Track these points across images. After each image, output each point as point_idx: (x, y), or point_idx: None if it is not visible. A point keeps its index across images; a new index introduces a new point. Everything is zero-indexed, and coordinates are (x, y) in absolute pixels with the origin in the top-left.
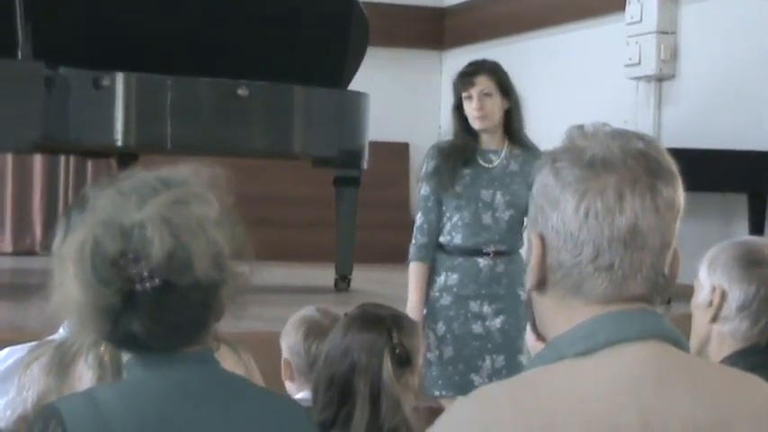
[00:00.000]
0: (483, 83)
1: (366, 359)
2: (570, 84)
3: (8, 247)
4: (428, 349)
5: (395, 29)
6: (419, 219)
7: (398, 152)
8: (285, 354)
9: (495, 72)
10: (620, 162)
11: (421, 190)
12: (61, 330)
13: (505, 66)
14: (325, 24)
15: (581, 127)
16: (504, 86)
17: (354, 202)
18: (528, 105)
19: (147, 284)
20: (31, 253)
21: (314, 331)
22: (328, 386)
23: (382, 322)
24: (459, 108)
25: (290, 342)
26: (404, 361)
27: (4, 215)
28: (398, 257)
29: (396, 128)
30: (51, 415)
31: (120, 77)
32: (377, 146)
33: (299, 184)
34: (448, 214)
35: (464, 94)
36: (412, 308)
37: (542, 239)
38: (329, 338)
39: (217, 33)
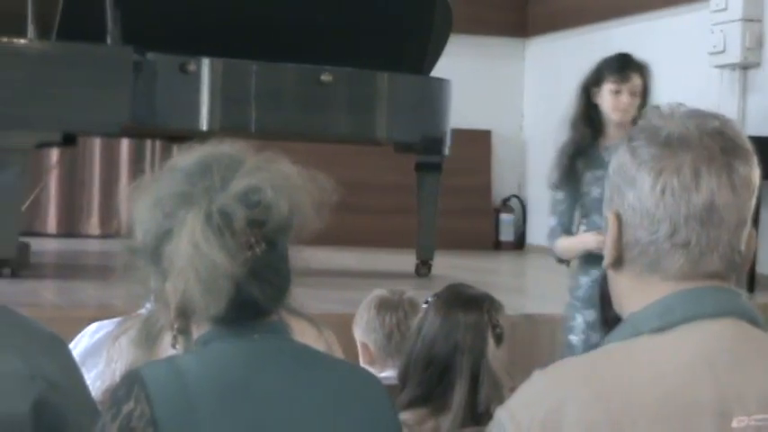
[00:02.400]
0: (635, 81)
1: (471, 339)
2: (654, 72)
3: (96, 230)
4: (573, 332)
5: (478, 16)
6: (553, 221)
7: (481, 139)
8: (360, 338)
9: (647, 75)
10: (697, 140)
11: (556, 195)
12: (148, 305)
13: (587, 53)
14: (408, 10)
15: (658, 107)
16: (648, 90)
17: (436, 188)
18: None
19: (257, 250)
20: (117, 236)
21: (385, 305)
22: (426, 366)
23: (481, 302)
24: (587, 92)
25: (363, 322)
26: (501, 339)
27: (91, 199)
28: (479, 244)
29: (478, 115)
30: (134, 380)
31: (206, 63)
32: (459, 133)
33: (381, 171)
34: (582, 218)
35: (612, 87)
36: (596, 241)
37: (619, 218)
38: (421, 318)
39: (301, 19)
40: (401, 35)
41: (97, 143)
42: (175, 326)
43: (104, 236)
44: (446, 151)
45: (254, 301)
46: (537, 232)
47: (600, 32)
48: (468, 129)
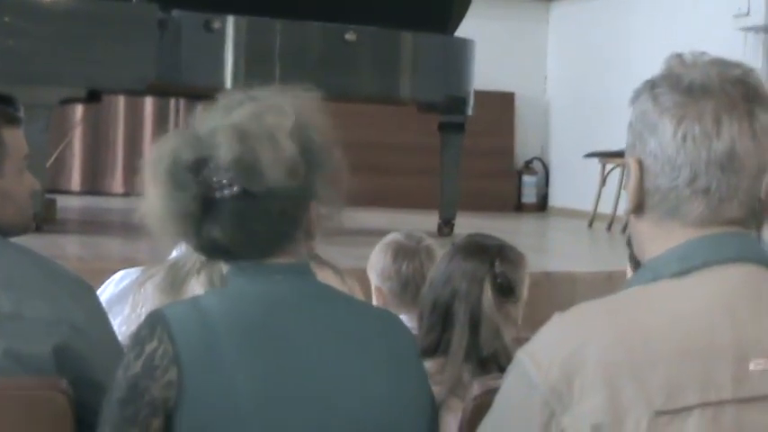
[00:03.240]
0: None
1: (467, 286)
2: (677, 35)
3: (119, 188)
4: None
5: None
6: None
7: (504, 101)
8: (375, 282)
9: None
10: (718, 88)
11: None
12: (174, 252)
13: (611, 17)
14: None
15: (680, 55)
16: None
17: (459, 148)
18: (634, 57)
19: (226, 192)
20: (141, 194)
21: (401, 252)
22: (431, 312)
23: (486, 251)
24: None
25: (378, 267)
26: (505, 290)
27: (115, 157)
28: (502, 206)
29: (502, 77)
30: (157, 320)
31: (230, 20)
32: (482, 95)
33: (404, 131)
34: None
35: None
36: None
37: (640, 164)
38: (435, 265)
39: None
40: None
41: (122, 101)
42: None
43: (128, 194)
44: (469, 111)
45: (215, 242)
46: (559, 194)
47: None
48: (491, 91)
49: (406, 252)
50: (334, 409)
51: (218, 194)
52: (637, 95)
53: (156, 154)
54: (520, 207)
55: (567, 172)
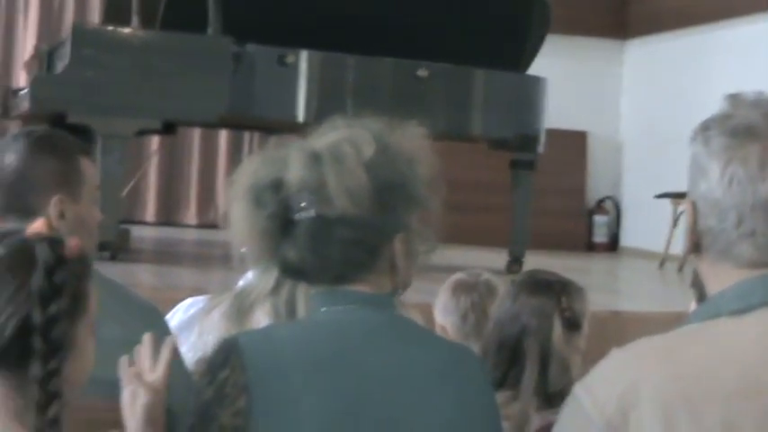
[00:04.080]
0: None
1: (537, 322)
2: (754, 74)
3: (193, 220)
4: None
5: (577, 16)
6: None
7: (577, 140)
8: (439, 320)
9: None
10: (764, 129)
11: None
12: (241, 282)
13: (687, 56)
14: (506, 8)
15: (735, 95)
16: None
17: (530, 186)
18: (709, 97)
19: (303, 214)
20: (213, 226)
21: (460, 287)
22: (498, 349)
23: (551, 287)
24: None
25: (441, 304)
26: (572, 324)
27: (189, 189)
28: (573, 245)
29: (575, 116)
30: (231, 348)
31: (304, 55)
32: (555, 134)
33: (475, 168)
34: None
35: None
36: None
37: (694, 206)
38: (498, 303)
39: (399, 14)
40: (499, 32)
41: (196, 133)
42: None
43: (201, 225)
44: (540, 149)
45: (289, 263)
46: (631, 234)
47: (701, 35)
48: (564, 129)
49: (465, 287)
50: None
51: (296, 216)
52: (693, 137)
53: (241, 172)
54: (591, 246)
55: (639, 212)
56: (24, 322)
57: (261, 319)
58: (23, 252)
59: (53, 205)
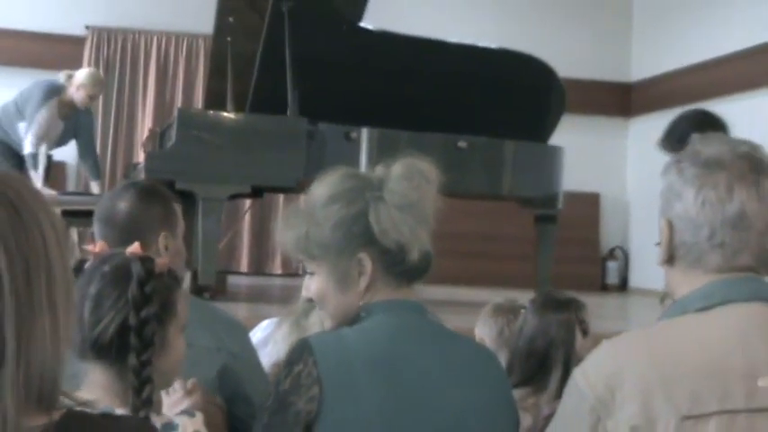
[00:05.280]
0: None
1: (564, 334)
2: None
3: (279, 270)
4: None
5: (587, 99)
6: None
7: (591, 200)
8: (479, 334)
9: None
10: (729, 161)
11: None
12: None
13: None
14: (531, 92)
15: (702, 137)
16: None
17: (553, 237)
18: None
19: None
20: (296, 274)
21: (498, 309)
22: (528, 357)
23: (570, 303)
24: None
25: (481, 321)
26: (586, 332)
27: (275, 243)
28: (589, 286)
29: (590, 180)
30: (305, 347)
31: (365, 131)
32: (573, 194)
33: (506, 223)
34: None
35: None
36: None
37: (670, 224)
38: (523, 319)
39: (443, 97)
40: (524, 111)
41: (280, 196)
42: None
43: (285, 274)
44: (560, 206)
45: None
46: (638, 277)
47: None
48: (580, 191)
49: (501, 309)
50: (446, 422)
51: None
52: (666, 169)
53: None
54: (604, 287)
55: (644, 258)
56: (123, 324)
57: (314, 327)
58: (122, 268)
59: (161, 240)
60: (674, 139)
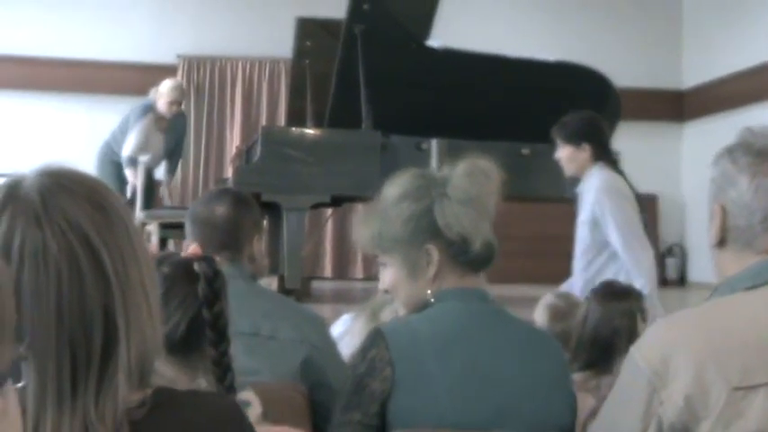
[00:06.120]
0: None
1: (627, 322)
2: None
3: (360, 274)
4: None
5: (642, 106)
6: None
7: (649, 201)
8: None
9: None
10: None
11: None
12: (377, 297)
13: (733, 132)
14: (588, 102)
15: (750, 128)
16: None
17: None
18: None
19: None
20: (376, 278)
21: (556, 315)
22: (591, 345)
23: (630, 292)
24: None
25: (537, 313)
26: (645, 319)
27: (356, 249)
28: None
29: (647, 183)
30: (378, 334)
31: (434, 142)
32: None
33: (566, 224)
34: None
35: None
36: None
37: (723, 209)
38: (586, 308)
39: (507, 108)
40: None
41: (360, 205)
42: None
43: (366, 278)
44: None
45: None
46: (695, 272)
47: (742, 115)
48: (639, 193)
49: (560, 314)
50: (507, 400)
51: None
52: (717, 159)
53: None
54: (664, 282)
55: (701, 254)
56: (192, 320)
57: (387, 318)
58: (186, 269)
59: (255, 243)
60: (566, 133)
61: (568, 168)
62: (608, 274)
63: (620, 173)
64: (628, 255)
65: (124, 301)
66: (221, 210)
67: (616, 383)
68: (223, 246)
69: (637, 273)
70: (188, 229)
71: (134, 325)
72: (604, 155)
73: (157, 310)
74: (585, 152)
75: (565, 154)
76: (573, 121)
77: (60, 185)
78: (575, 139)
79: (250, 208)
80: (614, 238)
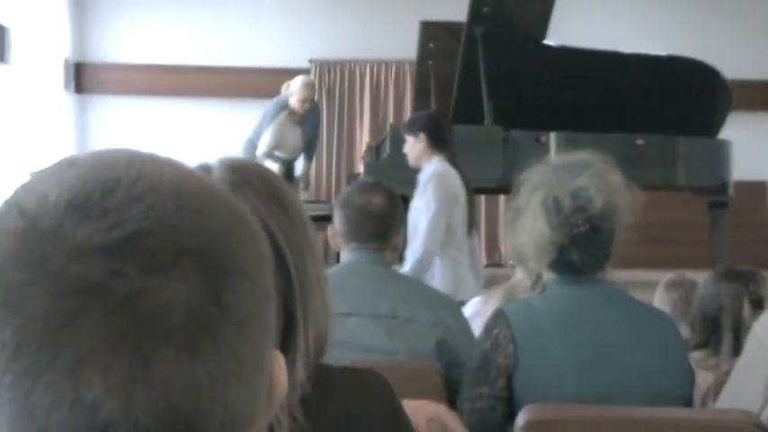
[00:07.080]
0: None
1: (730, 303)
2: None
3: (483, 261)
4: None
5: (752, 97)
6: None
7: (758, 188)
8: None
9: None
10: None
11: None
12: (513, 279)
13: None
14: (699, 93)
15: None
16: None
17: (725, 221)
18: None
19: (582, 229)
20: (498, 264)
21: (672, 284)
22: (702, 320)
23: (743, 276)
24: None
25: (658, 294)
26: (757, 304)
27: (479, 237)
28: (758, 265)
29: (756, 170)
30: (500, 314)
31: (552, 135)
32: (742, 184)
33: (680, 211)
34: None
35: None
36: None
37: None
38: (702, 286)
39: (622, 102)
40: (695, 110)
41: (482, 198)
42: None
43: (490, 264)
44: (731, 192)
45: (571, 262)
46: None
47: None
48: (748, 180)
49: (674, 284)
50: (625, 373)
51: (576, 231)
52: None
53: (537, 200)
54: None
55: None
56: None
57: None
58: None
59: (400, 234)
60: (415, 127)
61: (410, 158)
62: (437, 263)
63: (456, 167)
64: (414, 242)
65: (303, 295)
66: (377, 200)
67: (740, 357)
68: (374, 234)
69: (409, 260)
70: (337, 214)
71: (311, 315)
72: (441, 147)
73: (329, 297)
74: (422, 142)
75: (407, 145)
76: (415, 115)
77: (246, 182)
78: (413, 129)
79: (399, 202)
80: (421, 224)
